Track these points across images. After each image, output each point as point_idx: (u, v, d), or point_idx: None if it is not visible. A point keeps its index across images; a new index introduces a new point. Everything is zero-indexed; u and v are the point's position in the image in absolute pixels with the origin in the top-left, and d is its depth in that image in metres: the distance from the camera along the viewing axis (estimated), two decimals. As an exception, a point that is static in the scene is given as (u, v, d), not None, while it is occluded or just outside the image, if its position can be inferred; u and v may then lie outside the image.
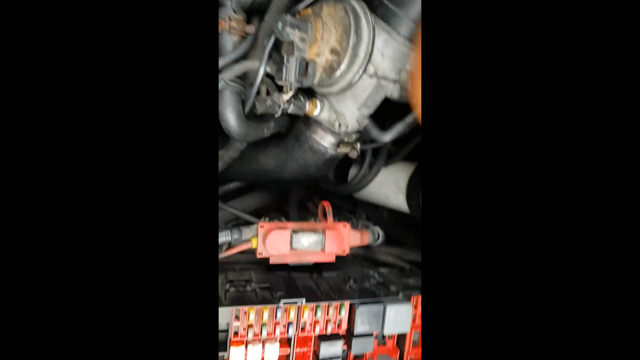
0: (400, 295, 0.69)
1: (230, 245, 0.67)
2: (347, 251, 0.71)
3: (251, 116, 0.74)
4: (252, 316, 0.59)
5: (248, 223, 0.79)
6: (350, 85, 0.69)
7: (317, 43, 0.64)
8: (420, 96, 0.59)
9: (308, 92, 0.78)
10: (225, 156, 0.91)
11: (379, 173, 1.06)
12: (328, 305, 0.63)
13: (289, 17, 0.60)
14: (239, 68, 0.64)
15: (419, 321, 0.72)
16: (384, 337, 0.74)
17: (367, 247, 0.94)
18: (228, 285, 0.61)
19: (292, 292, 0.62)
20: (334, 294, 0.65)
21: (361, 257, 1.00)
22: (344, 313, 0.65)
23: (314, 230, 0.68)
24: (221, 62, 0.64)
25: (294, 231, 0.66)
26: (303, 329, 0.63)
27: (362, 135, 0.86)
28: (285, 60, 0.61)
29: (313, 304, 0.62)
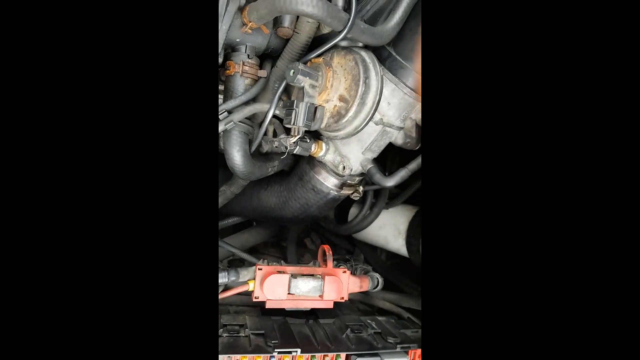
0: (398, 347, 0.67)
1: (226, 287, 0.66)
2: (346, 298, 0.69)
3: (256, 154, 0.75)
4: (244, 365, 0.57)
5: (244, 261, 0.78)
6: (356, 131, 0.70)
7: (327, 90, 0.66)
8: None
9: (314, 134, 0.79)
10: (228, 192, 0.90)
11: (380, 215, 1.05)
12: (324, 356, 0.61)
13: (300, 65, 0.62)
14: (249, 110, 0.65)
15: (416, 376, 0.69)
16: (379, 391, 0.71)
17: (365, 292, 0.92)
18: (221, 330, 0.59)
19: (287, 341, 0.60)
20: (331, 344, 0.63)
21: (358, 301, 0.98)
22: (340, 365, 0.62)
23: (312, 276, 0.67)
24: (232, 103, 0.65)
25: (293, 276, 0.65)
26: (297, 381, 0.61)
27: (365, 178, 0.87)
28: (294, 106, 0.62)
29: (308, 355, 0.60)
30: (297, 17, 0.66)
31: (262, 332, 0.61)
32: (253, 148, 0.72)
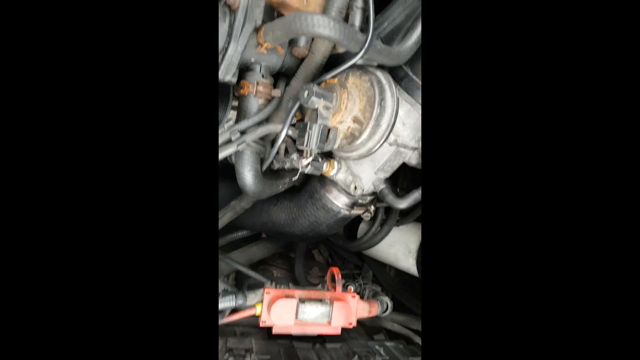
0: (407, 376, 0.65)
1: (234, 310, 0.65)
2: (354, 324, 0.68)
3: (267, 172, 0.74)
4: (249, 391, 0.56)
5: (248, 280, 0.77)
6: (369, 153, 0.69)
7: (341, 112, 0.64)
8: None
9: (326, 153, 0.78)
10: (237, 207, 0.90)
11: (390, 232, 1.03)
12: (330, 385, 0.60)
13: (315, 87, 0.60)
14: (262, 131, 0.64)
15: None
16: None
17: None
18: (227, 354, 0.58)
19: (294, 368, 0.58)
20: (337, 372, 0.61)
21: (366, 321, 0.96)
22: (347, 393, 0.61)
23: (321, 301, 0.65)
24: (245, 124, 0.64)
25: (301, 300, 0.63)
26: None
27: (377, 196, 0.85)
28: (308, 128, 0.60)
29: (314, 383, 0.59)
30: (313, 37, 0.65)
31: (268, 357, 0.60)
32: (265, 167, 0.71)
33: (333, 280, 0.75)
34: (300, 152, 0.67)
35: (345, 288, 0.78)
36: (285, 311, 0.61)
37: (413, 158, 0.79)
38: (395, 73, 0.72)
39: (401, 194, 0.78)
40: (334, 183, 0.80)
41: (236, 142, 0.62)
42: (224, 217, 0.88)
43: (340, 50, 0.70)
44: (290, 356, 0.62)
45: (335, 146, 0.68)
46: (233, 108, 0.71)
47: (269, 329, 0.65)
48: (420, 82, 0.69)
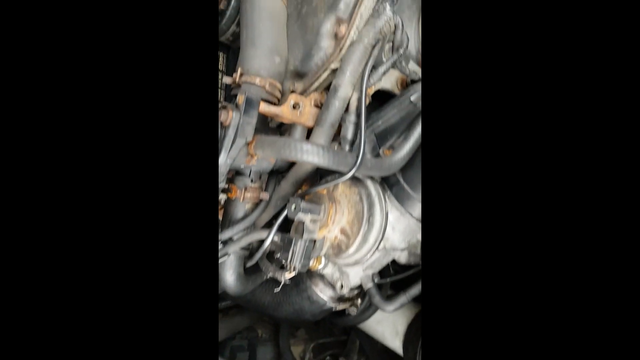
0: None
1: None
2: None
3: (250, 269, 0.72)
4: None
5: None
6: (356, 263, 0.67)
7: (328, 226, 0.63)
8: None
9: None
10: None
11: (378, 310, 1.02)
12: None
13: (302, 203, 0.59)
14: (246, 240, 0.63)
15: None
16: None
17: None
18: None
19: None
20: None
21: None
22: None
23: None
24: (229, 233, 0.63)
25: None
26: None
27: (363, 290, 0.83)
28: (292, 243, 0.59)
29: None
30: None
31: None
32: (248, 265, 0.70)
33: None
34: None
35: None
36: None
37: (402, 257, 0.78)
38: (387, 178, 0.71)
39: (390, 292, 0.76)
40: (320, 276, 0.78)
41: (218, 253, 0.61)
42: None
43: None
44: None
45: (322, 253, 0.67)
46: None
47: None
48: (410, 192, 0.68)
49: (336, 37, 0.65)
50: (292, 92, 0.70)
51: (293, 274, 0.62)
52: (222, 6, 0.79)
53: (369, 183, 0.66)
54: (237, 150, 0.58)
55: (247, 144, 0.59)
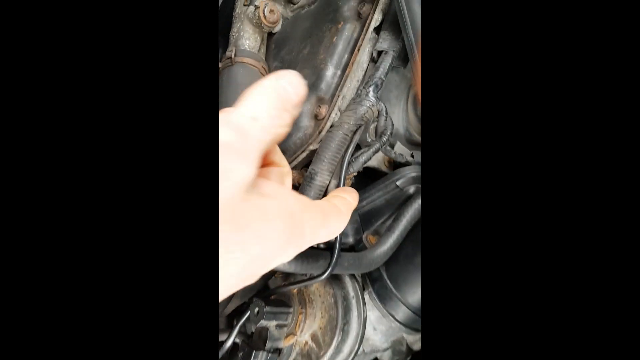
0: None
1: None
2: None
3: None
4: None
5: None
6: (329, 373, 0.58)
7: (296, 335, 0.55)
8: None
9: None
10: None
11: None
12: None
13: (266, 307, 0.51)
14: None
15: None
16: None
17: None
18: None
19: None
20: None
21: None
22: None
23: None
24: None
25: None
26: None
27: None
28: (252, 357, 0.51)
29: None
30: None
31: None
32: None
33: None
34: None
35: None
36: None
37: (385, 356, 0.69)
38: (370, 272, 0.64)
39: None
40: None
41: None
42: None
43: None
44: None
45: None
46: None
47: None
48: (393, 291, 0.60)
49: (316, 118, 0.60)
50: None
51: (252, 392, 0.53)
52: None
53: (347, 281, 0.58)
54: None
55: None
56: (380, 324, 0.62)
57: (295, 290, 0.56)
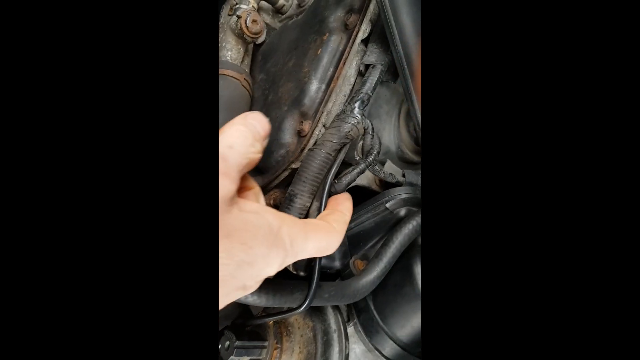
0: None
1: None
2: None
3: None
4: None
5: None
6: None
7: (270, 372, 0.50)
8: None
9: None
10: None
11: None
12: None
13: (237, 342, 0.47)
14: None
15: None
16: None
17: None
18: None
19: None
20: None
21: None
22: None
23: None
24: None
25: None
26: None
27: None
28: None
29: None
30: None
31: None
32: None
33: None
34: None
35: None
36: None
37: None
38: (355, 304, 0.59)
39: None
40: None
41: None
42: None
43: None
44: None
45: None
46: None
47: None
48: (380, 324, 0.55)
49: (299, 135, 0.56)
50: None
51: None
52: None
53: (329, 313, 0.53)
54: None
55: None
56: (365, 359, 0.57)
57: (271, 323, 0.52)
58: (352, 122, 0.50)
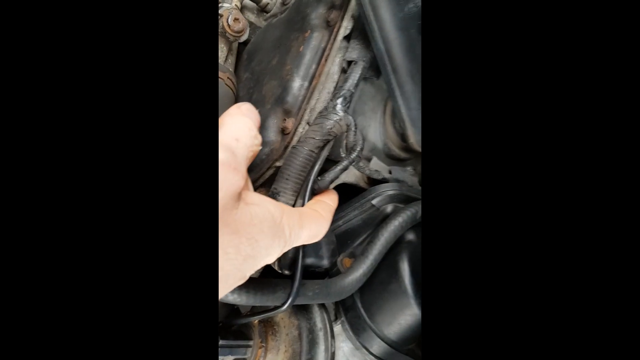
0: None
1: None
2: None
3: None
4: None
5: None
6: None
7: (255, 372, 0.50)
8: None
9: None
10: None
11: None
12: None
13: (221, 341, 0.47)
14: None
15: None
16: None
17: None
18: None
19: None
20: None
21: None
22: None
23: None
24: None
25: None
26: None
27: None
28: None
29: None
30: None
31: None
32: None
33: None
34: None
35: None
36: None
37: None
38: (343, 300, 0.59)
39: None
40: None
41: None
42: None
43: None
44: None
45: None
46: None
47: None
48: (367, 321, 0.55)
49: (283, 132, 0.56)
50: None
51: None
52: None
53: (315, 311, 0.53)
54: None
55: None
56: (353, 357, 0.56)
57: (256, 322, 0.51)
58: (334, 118, 0.50)
